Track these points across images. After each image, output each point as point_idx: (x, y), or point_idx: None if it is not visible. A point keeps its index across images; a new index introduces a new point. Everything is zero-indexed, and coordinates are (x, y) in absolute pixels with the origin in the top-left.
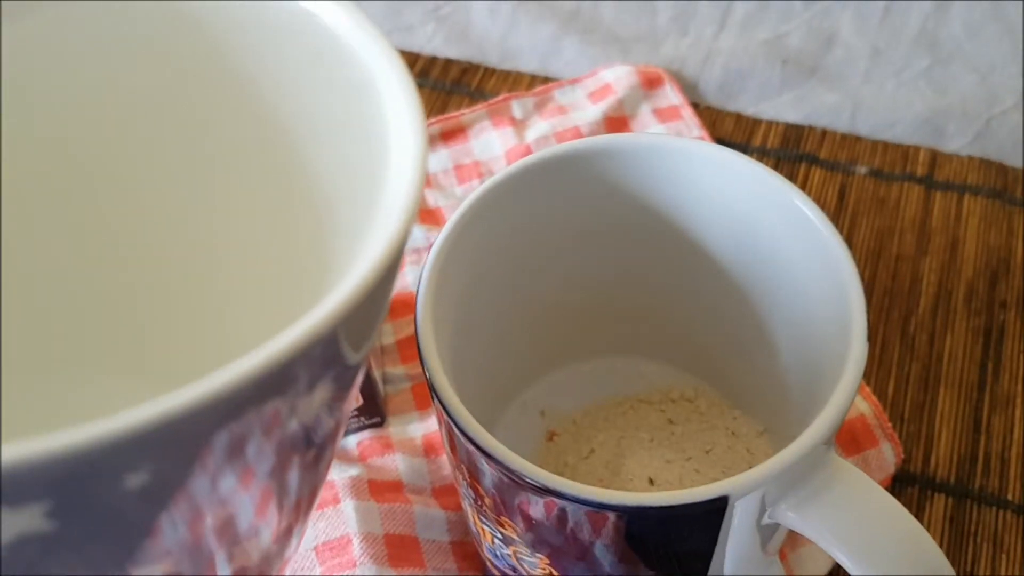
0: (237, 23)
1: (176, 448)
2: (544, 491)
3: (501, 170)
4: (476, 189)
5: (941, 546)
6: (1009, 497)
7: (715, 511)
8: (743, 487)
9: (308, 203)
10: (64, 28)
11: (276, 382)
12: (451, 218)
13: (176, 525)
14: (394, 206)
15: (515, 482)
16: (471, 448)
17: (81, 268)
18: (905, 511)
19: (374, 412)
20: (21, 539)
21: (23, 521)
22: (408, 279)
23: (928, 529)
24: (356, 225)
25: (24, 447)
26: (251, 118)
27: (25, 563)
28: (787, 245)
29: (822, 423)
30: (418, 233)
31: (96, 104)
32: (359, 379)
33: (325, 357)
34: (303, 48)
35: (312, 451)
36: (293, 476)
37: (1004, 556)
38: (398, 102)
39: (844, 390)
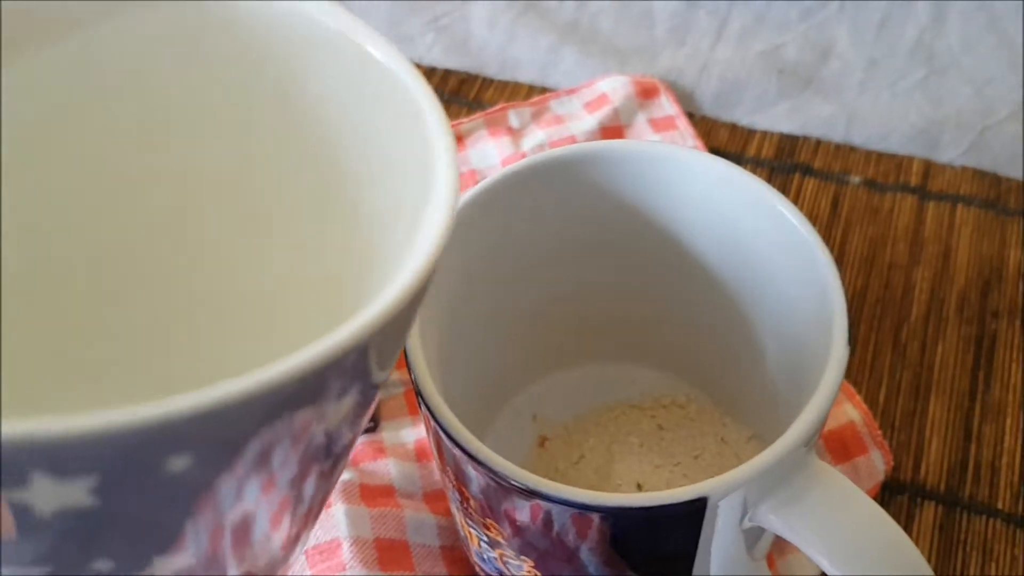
0: (295, 49)
1: (218, 438)
2: (525, 492)
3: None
4: (465, 194)
5: (930, 555)
6: (999, 506)
7: (695, 512)
8: (722, 488)
9: (350, 225)
10: (125, 44)
11: (313, 386)
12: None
13: (199, 522)
14: (429, 236)
15: (498, 484)
16: (456, 452)
17: (123, 280)
18: (885, 515)
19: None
20: (62, 513)
21: (69, 494)
22: None
23: (917, 538)
24: (393, 251)
25: (84, 420)
26: (304, 139)
27: (58, 537)
28: (772, 251)
29: (801, 426)
30: None
31: (162, 124)
32: (378, 397)
33: (355, 369)
34: (364, 83)
35: (329, 461)
36: (310, 485)
37: (993, 565)
38: (441, 135)
39: (823, 393)
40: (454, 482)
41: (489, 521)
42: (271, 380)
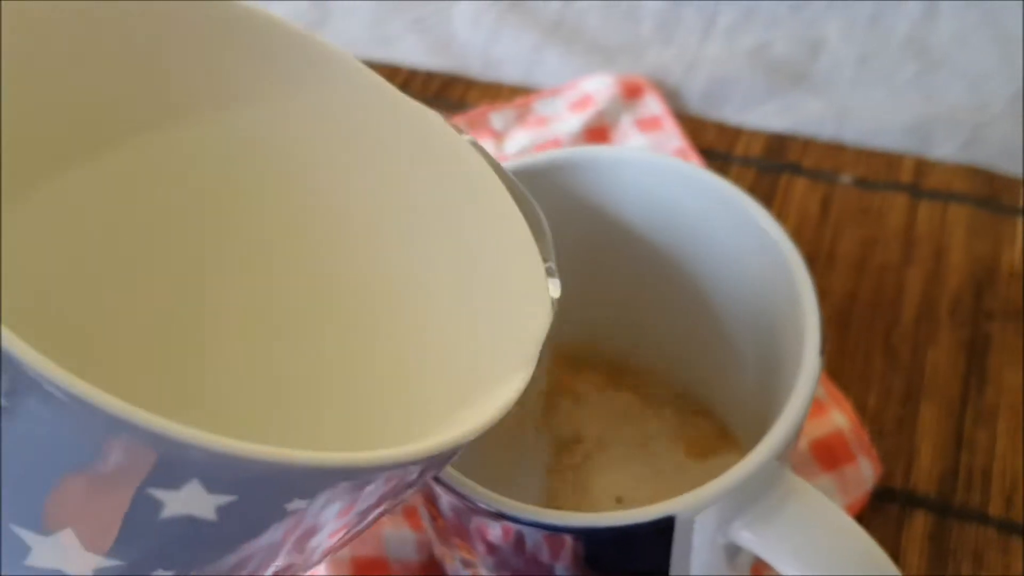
0: None
1: (339, 488)
2: (492, 514)
3: None
4: None
5: (921, 563)
6: (991, 513)
7: (663, 531)
8: (690, 506)
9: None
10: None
11: (428, 463)
12: None
13: (273, 548)
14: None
15: (465, 505)
16: None
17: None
18: (861, 530)
19: None
20: (184, 519)
21: (201, 505)
22: None
23: (908, 546)
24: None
25: (257, 449)
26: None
27: (166, 539)
28: (747, 259)
29: (771, 440)
30: None
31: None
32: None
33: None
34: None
35: (400, 497)
36: (374, 515)
37: (985, 573)
38: None
39: (794, 407)
40: (423, 501)
41: (458, 541)
42: (428, 450)
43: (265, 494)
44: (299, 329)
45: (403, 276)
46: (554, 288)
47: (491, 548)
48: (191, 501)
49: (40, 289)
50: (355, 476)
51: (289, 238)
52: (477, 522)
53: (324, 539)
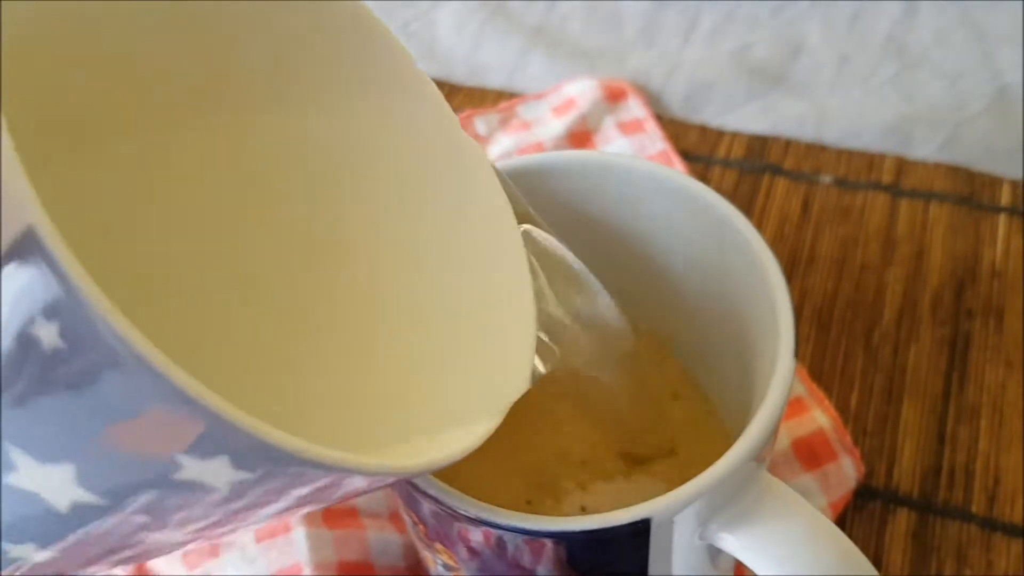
0: None
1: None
2: (471, 519)
3: None
4: None
5: (904, 562)
6: (974, 511)
7: (640, 533)
8: (666, 508)
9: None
10: None
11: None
12: None
13: (254, 518)
14: None
15: (444, 511)
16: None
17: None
18: (837, 530)
19: None
20: (194, 483)
21: (218, 477)
22: None
23: (891, 544)
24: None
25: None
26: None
27: (165, 494)
28: (720, 261)
29: (747, 441)
30: None
31: None
32: None
33: None
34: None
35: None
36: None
37: (968, 571)
38: None
39: (769, 408)
40: (404, 506)
41: (439, 546)
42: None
43: (283, 480)
44: (305, 316)
45: (409, 295)
46: (540, 364)
47: (473, 552)
48: (211, 472)
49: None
50: (373, 476)
51: (315, 233)
52: (457, 527)
53: (275, 512)
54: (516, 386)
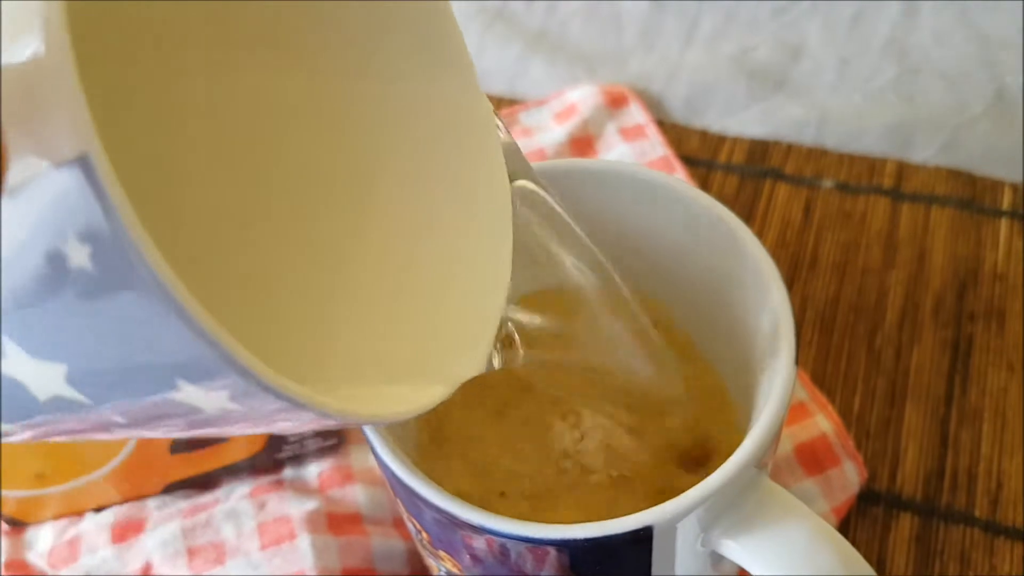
0: None
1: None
2: (474, 527)
3: None
4: None
5: (907, 566)
6: (977, 514)
7: (642, 540)
8: (668, 516)
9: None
10: None
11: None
12: None
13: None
14: None
15: (446, 520)
16: (403, 490)
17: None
18: (838, 535)
19: (330, 433)
20: (186, 404)
21: (212, 404)
22: None
23: (894, 548)
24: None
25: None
26: None
27: (154, 407)
28: (723, 267)
29: (748, 447)
30: None
31: None
32: None
33: None
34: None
35: None
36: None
37: (971, 574)
38: None
39: (770, 414)
40: (407, 514)
41: (443, 553)
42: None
43: (268, 414)
44: (314, 254)
45: (400, 249)
46: (496, 359)
47: (476, 560)
48: (207, 398)
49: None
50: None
51: (330, 178)
52: (461, 535)
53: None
54: (470, 367)
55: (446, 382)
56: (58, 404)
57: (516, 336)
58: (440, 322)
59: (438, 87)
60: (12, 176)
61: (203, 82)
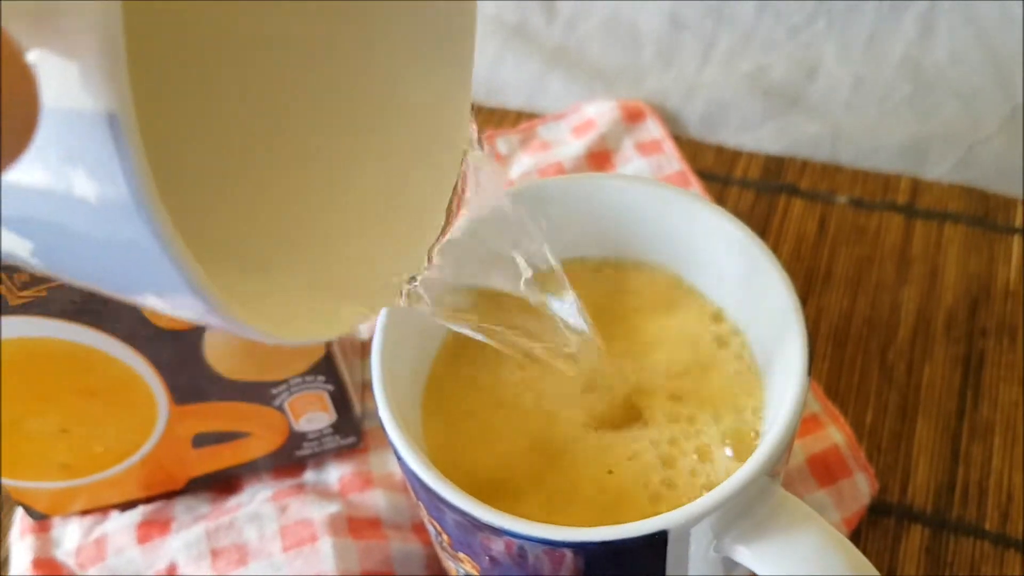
0: None
1: None
2: (493, 529)
3: None
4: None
5: None
6: (987, 527)
7: (657, 544)
8: (682, 521)
9: None
10: None
11: None
12: None
13: None
14: None
15: (468, 522)
16: (426, 493)
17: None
18: (849, 544)
19: (348, 430)
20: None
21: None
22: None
23: (904, 560)
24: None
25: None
26: None
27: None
28: (737, 280)
29: (761, 455)
30: None
31: None
32: None
33: None
34: None
35: None
36: None
37: None
38: None
39: (782, 424)
40: (428, 516)
41: (463, 555)
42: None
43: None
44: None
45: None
46: (404, 300)
47: (495, 562)
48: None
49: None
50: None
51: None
52: (480, 537)
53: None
54: (386, 298)
55: (367, 310)
56: (12, 257)
57: (423, 292)
58: (373, 253)
59: (435, 74)
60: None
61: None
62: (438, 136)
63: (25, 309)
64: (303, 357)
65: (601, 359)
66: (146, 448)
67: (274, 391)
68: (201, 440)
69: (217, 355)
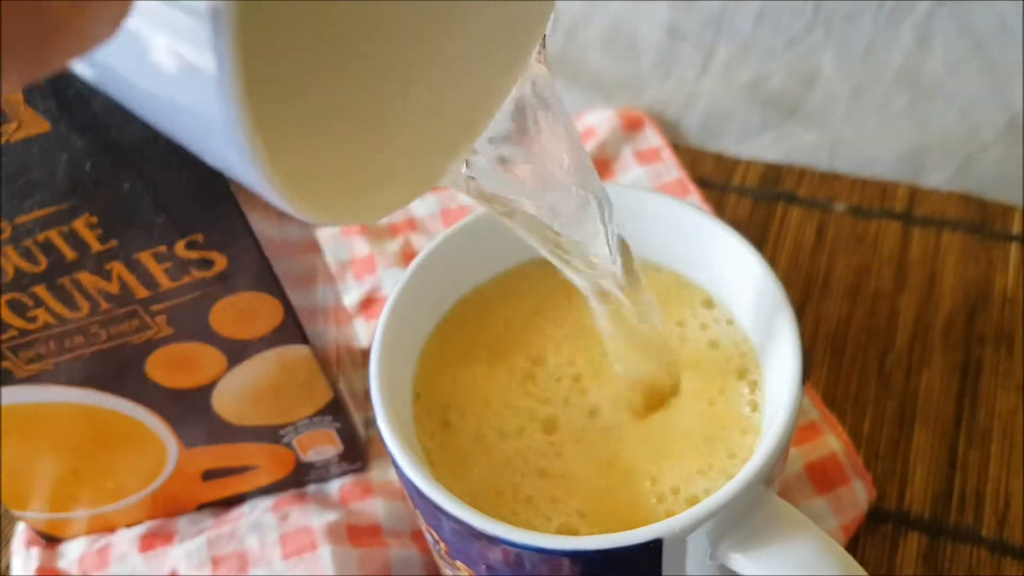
0: None
1: None
2: (489, 538)
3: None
4: (423, 250)
5: None
6: (984, 534)
7: (653, 551)
8: (678, 530)
9: None
10: None
11: None
12: (403, 275)
13: None
14: None
15: (466, 530)
16: (424, 503)
17: None
18: (843, 551)
19: (355, 457)
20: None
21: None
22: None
23: (901, 567)
24: None
25: None
26: None
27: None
28: (733, 289)
29: (755, 464)
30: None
31: None
32: None
33: None
34: None
35: None
36: None
37: None
38: None
39: (777, 431)
40: (425, 524)
41: (460, 563)
42: None
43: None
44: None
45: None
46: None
47: (491, 570)
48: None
49: None
50: None
51: None
52: (478, 545)
53: None
54: (431, 178)
55: (408, 191)
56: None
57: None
58: (429, 133)
59: None
60: None
61: None
62: (519, 26)
63: (33, 380)
64: (311, 401)
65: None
66: (156, 484)
67: (282, 432)
68: (211, 475)
69: (225, 404)
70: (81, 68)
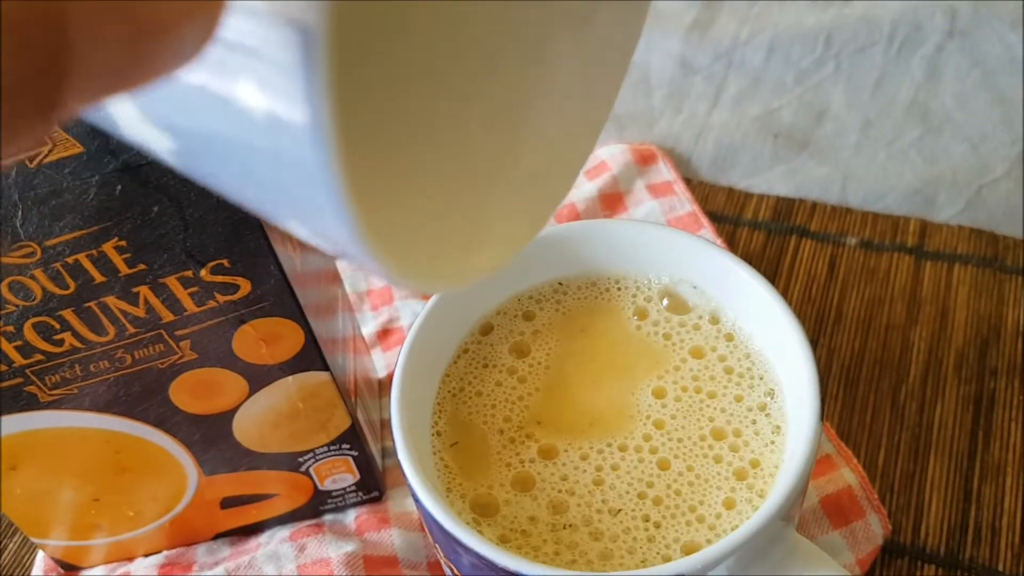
0: None
1: None
2: (508, 574)
3: None
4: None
5: None
6: (1000, 568)
7: None
8: (699, 567)
9: None
10: None
11: None
12: (420, 312)
13: None
14: None
15: (485, 566)
16: (444, 538)
17: None
18: None
19: (372, 487)
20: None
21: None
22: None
23: None
24: None
25: None
26: None
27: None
28: (749, 325)
29: (774, 501)
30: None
31: None
32: None
33: None
34: None
35: None
36: None
37: None
38: None
39: (795, 468)
40: (444, 559)
41: None
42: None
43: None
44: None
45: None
46: None
47: None
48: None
49: None
50: None
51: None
52: None
53: None
54: (516, 248)
55: (495, 259)
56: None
57: None
58: (515, 205)
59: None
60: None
61: None
62: (600, 89)
63: (56, 404)
64: (330, 429)
65: None
66: (175, 512)
67: (301, 459)
68: (229, 503)
69: (246, 431)
70: (158, 142)
